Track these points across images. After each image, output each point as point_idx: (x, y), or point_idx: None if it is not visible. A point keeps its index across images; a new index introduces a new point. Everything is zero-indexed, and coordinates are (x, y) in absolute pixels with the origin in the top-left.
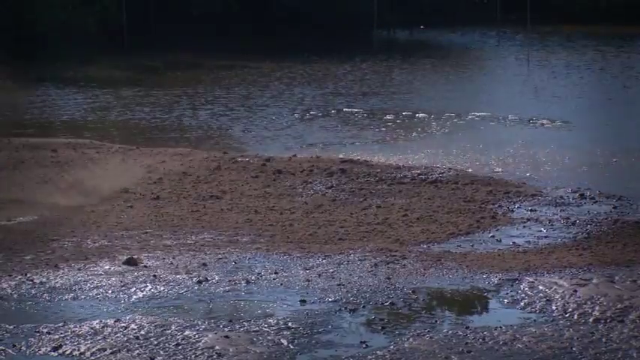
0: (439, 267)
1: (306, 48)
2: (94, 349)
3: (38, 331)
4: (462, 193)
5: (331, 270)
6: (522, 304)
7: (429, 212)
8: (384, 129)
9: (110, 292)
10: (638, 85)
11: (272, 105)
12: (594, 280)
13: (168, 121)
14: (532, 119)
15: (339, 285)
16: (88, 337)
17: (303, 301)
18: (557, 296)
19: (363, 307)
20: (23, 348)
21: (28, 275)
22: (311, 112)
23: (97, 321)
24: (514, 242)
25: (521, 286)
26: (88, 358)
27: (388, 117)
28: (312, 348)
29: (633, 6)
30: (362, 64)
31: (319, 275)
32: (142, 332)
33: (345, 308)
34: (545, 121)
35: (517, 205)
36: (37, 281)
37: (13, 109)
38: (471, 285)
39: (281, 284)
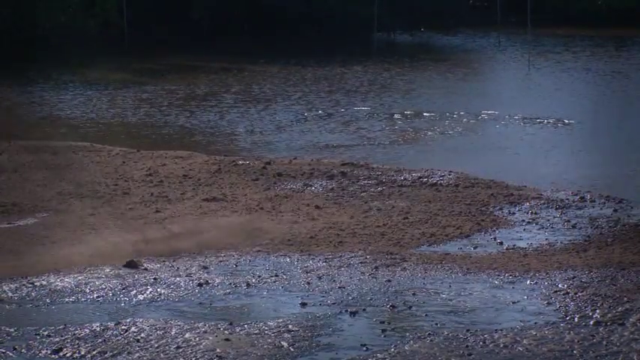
0: (440, 269)
1: (307, 52)
2: (94, 352)
3: (39, 334)
4: (463, 195)
5: (332, 272)
6: (523, 306)
7: (430, 215)
8: (387, 129)
9: (111, 294)
10: (638, 86)
11: (272, 107)
12: (595, 283)
13: (168, 124)
14: (532, 121)
15: (339, 287)
16: (89, 339)
17: (303, 304)
18: (558, 299)
19: (364, 309)
20: (24, 351)
21: (29, 278)
22: (312, 114)
23: (98, 324)
24: (515, 245)
25: (522, 289)
26: None
27: (389, 118)
28: (313, 351)
29: (633, 9)
30: (363, 67)
31: (320, 278)
32: (143, 335)
33: (346, 311)
34: (544, 123)
35: (518, 208)
36: (38, 284)
37: (13, 112)
38: (472, 287)
39: (281, 287)
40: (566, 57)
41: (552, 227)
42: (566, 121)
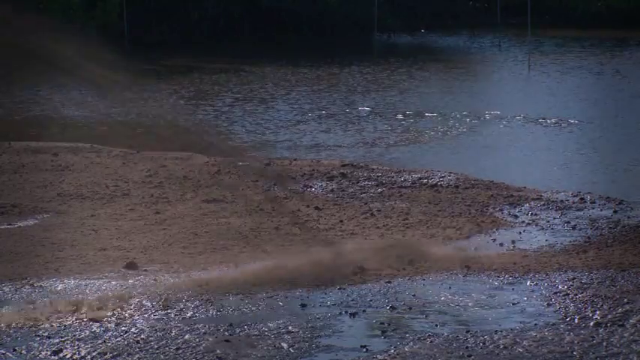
0: (439, 270)
1: (307, 52)
2: (94, 353)
3: (38, 335)
4: (463, 196)
5: None
6: (523, 307)
7: (430, 216)
8: (387, 129)
9: (111, 295)
10: (638, 86)
11: (273, 107)
12: (595, 284)
13: (168, 125)
14: (533, 121)
15: (339, 289)
16: (89, 340)
17: (303, 305)
18: (558, 300)
19: (364, 310)
20: (23, 352)
21: (29, 279)
22: (312, 114)
23: (98, 324)
24: (514, 246)
25: (522, 290)
26: None
27: (390, 118)
28: (312, 352)
29: (633, 9)
30: (363, 67)
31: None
32: (143, 336)
33: (346, 312)
34: (546, 124)
35: (518, 209)
36: (38, 285)
37: (13, 113)
38: (472, 288)
39: (282, 288)
40: (567, 58)
41: (552, 228)
42: (567, 122)
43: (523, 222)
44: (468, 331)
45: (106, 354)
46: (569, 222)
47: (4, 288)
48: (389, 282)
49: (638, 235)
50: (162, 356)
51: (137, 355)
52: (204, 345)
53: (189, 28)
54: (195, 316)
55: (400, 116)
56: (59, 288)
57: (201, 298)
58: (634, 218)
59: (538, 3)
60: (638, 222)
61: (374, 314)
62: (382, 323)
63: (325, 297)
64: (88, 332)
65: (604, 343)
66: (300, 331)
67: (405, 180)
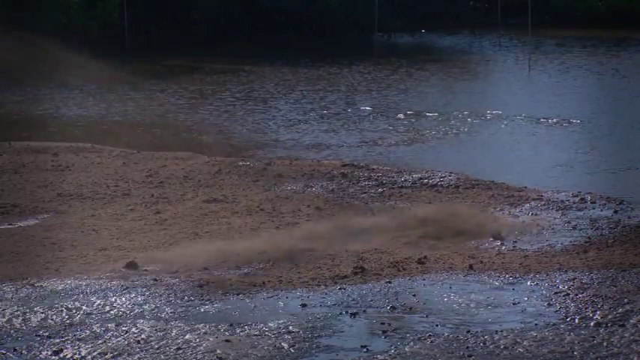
0: (440, 270)
1: (307, 52)
2: (94, 353)
3: (39, 335)
4: (463, 196)
5: None
6: (523, 307)
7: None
8: (388, 129)
9: (111, 295)
10: (639, 86)
11: (273, 108)
12: (595, 284)
13: (169, 125)
14: (535, 121)
15: (339, 289)
16: (89, 340)
17: (304, 305)
18: (558, 300)
19: (364, 311)
20: (24, 352)
21: (29, 279)
22: (312, 114)
23: (98, 325)
24: (515, 246)
25: (522, 290)
26: None
27: (390, 118)
28: (313, 352)
29: (633, 9)
30: (364, 67)
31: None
32: (143, 336)
33: (346, 312)
34: (548, 124)
35: (518, 209)
36: (38, 285)
37: (13, 113)
38: (472, 288)
39: (282, 288)
40: (567, 58)
41: (553, 228)
42: (568, 122)
43: (524, 222)
44: (468, 331)
45: (106, 354)
46: (569, 222)
47: (4, 288)
48: (389, 282)
49: (639, 236)
50: (162, 356)
51: (137, 355)
52: (204, 345)
53: (190, 28)
54: (196, 316)
55: (401, 116)
56: (59, 288)
57: (201, 298)
58: (634, 218)
59: (538, 3)
60: (638, 222)
61: (374, 314)
62: (383, 323)
63: (325, 297)
64: (88, 332)
65: (604, 343)
66: (301, 331)
67: (405, 180)
